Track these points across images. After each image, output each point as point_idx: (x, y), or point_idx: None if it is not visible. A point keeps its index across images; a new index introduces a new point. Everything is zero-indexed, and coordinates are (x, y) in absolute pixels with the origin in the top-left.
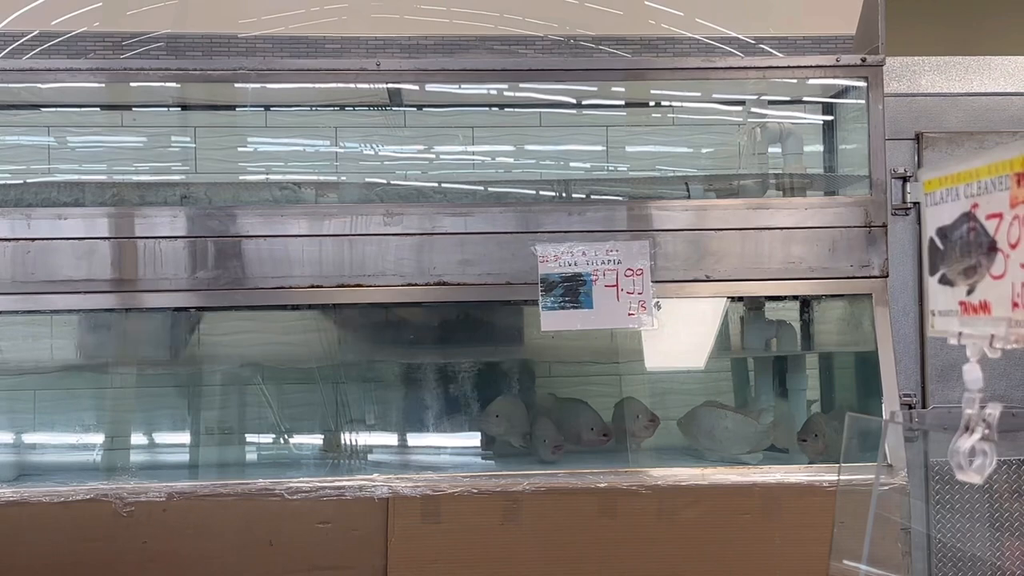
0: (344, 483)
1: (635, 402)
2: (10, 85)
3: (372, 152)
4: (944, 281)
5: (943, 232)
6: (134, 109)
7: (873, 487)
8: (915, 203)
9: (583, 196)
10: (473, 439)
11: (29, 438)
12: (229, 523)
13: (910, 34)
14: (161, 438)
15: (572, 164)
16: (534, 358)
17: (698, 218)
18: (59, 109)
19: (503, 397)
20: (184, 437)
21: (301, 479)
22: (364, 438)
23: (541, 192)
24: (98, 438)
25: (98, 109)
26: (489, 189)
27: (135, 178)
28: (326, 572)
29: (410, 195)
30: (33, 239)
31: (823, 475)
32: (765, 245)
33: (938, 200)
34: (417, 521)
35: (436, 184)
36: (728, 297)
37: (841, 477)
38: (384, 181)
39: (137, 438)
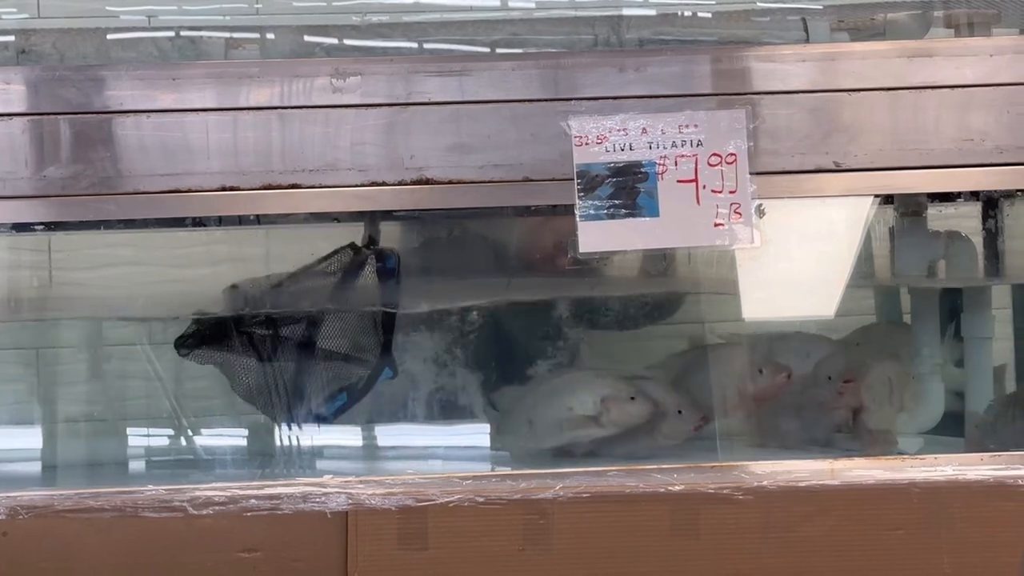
0: (280, 489)
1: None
2: None
3: None
4: None
5: None
6: None
7: None
8: None
9: (642, 41)
10: (477, 427)
11: None
12: (104, 553)
13: None
14: None
15: None
16: (569, 296)
17: (823, 72)
18: None
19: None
20: (31, 426)
21: (213, 485)
22: (309, 422)
23: (577, 36)
24: None
25: None
26: (496, 36)
27: None
28: None
29: (373, 48)
30: None
31: (1018, 468)
32: (929, 113)
33: None
34: (392, 547)
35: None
36: (871, 196)
37: None
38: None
39: None
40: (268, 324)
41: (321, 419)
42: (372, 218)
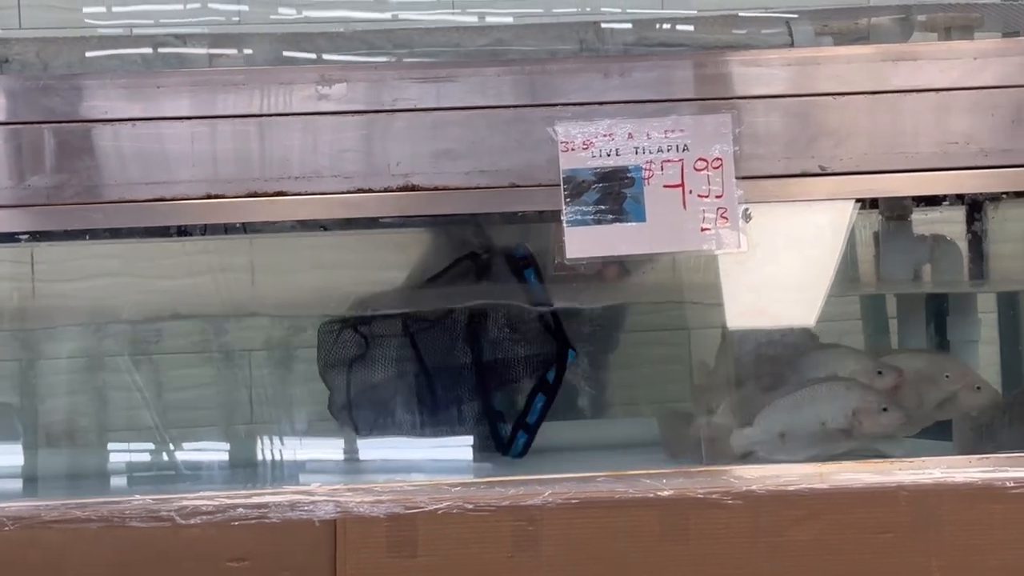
0: (267, 498)
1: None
2: None
3: None
4: None
5: None
6: None
7: None
8: None
9: (627, 47)
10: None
11: None
12: (90, 564)
13: None
14: None
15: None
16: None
17: (806, 76)
18: None
19: None
20: (15, 437)
21: (201, 494)
22: (295, 430)
23: (561, 43)
24: None
25: None
26: (481, 43)
27: None
28: None
29: (357, 58)
30: None
31: (1006, 470)
32: (911, 117)
33: None
34: (381, 554)
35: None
36: (855, 200)
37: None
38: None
39: None
40: (437, 345)
41: (528, 429)
42: (477, 225)
